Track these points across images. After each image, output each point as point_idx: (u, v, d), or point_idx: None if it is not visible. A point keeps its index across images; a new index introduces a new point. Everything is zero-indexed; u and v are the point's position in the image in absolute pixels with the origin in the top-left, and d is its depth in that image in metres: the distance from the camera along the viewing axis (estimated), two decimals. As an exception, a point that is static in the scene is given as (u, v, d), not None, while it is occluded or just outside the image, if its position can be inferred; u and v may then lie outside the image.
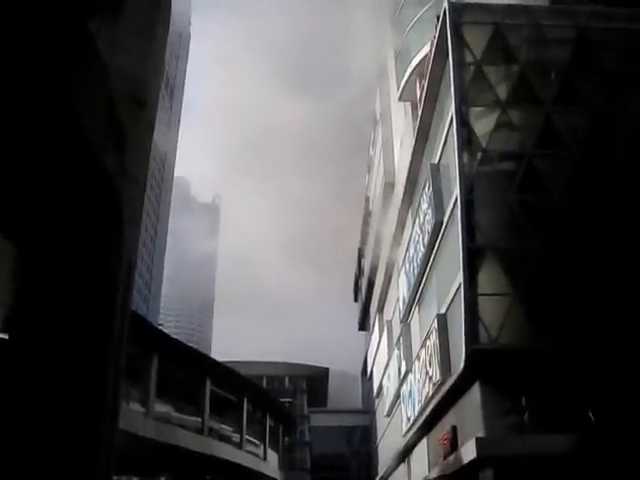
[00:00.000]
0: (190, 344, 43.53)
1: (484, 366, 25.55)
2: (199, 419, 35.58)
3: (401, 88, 43.95)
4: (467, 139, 28.26)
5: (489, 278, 26.79)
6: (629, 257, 26.97)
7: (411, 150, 37.36)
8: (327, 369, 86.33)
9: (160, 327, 47.67)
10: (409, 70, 42.43)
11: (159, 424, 30.67)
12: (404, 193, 40.79)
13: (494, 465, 24.18)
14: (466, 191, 27.10)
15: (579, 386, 24.91)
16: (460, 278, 26.17)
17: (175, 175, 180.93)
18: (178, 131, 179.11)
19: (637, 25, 30.38)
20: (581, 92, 29.02)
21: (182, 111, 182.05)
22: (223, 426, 39.54)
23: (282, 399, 61.99)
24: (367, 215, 70.23)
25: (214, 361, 40.75)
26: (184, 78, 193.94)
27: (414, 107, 40.77)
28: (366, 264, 70.07)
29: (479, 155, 28.13)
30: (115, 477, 32.39)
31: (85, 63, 5.81)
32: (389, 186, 50.45)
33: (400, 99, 44.90)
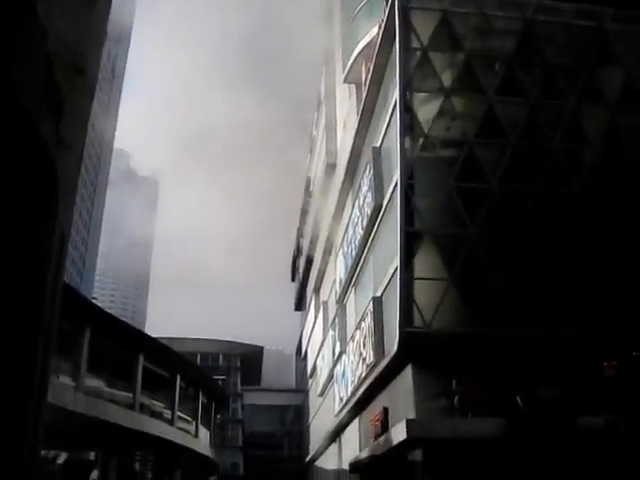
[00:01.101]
0: (124, 319, 42.96)
1: (417, 349, 25.91)
2: (131, 394, 35.22)
3: (347, 70, 43.91)
4: (410, 124, 28.44)
5: (425, 263, 27.13)
6: (563, 245, 27.69)
7: (354, 132, 37.41)
8: (262, 348, 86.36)
9: (94, 301, 46.90)
10: (355, 52, 42.38)
11: (90, 399, 30.27)
12: (345, 175, 40.87)
13: (424, 447, 24.62)
14: (406, 176, 27.30)
15: (509, 372, 25.48)
16: (397, 262, 26.42)
17: (115, 147, 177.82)
18: (119, 103, 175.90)
19: (582, 21, 30.97)
20: (523, 83, 29.49)
21: (125, 84, 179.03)
22: (155, 402, 39.24)
23: (215, 376, 61.81)
24: (307, 196, 70.21)
25: (147, 337, 40.35)
26: (127, 55, 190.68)
27: (359, 89, 40.79)
28: (304, 244, 70.13)
29: (421, 141, 28.35)
30: (43, 452, 31.92)
31: (22, 25, 5.60)
32: (330, 167, 50.46)
33: (345, 81, 44.85)
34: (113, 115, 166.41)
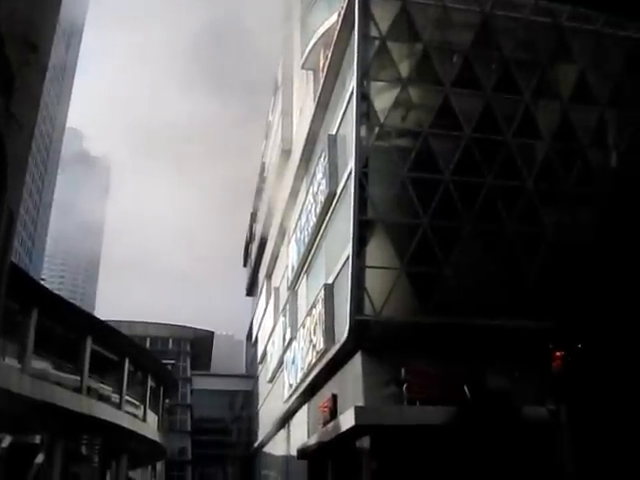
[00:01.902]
0: (73, 302, 42.37)
1: (367, 337, 26.10)
2: (78, 377, 34.75)
3: (305, 56, 43.74)
4: (366, 113, 28.51)
5: (377, 251, 27.30)
6: (514, 237, 28.15)
7: (310, 119, 37.34)
8: (212, 332, 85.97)
9: (42, 282, 46.09)
10: (314, 39, 42.22)
11: (36, 381, 29.77)
12: (300, 161, 40.81)
13: (372, 433, 24.84)
14: (361, 164, 27.39)
15: (458, 361, 25.83)
16: (349, 250, 26.53)
17: (68, 126, 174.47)
18: (73, 82, 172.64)
19: (539, 17, 31.33)
20: (479, 77, 29.75)
21: (79, 67, 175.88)
22: (103, 386, 38.83)
23: (165, 361, 61.38)
24: (262, 181, 69.90)
25: (96, 319, 39.85)
26: (81, 35, 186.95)
27: (316, 76, 40.70)
28: (257, 230, 69.90)
29: (376, 130, 28.45)
30: (-15, 434, 31.36)
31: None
32: (285, 153, 50.31)
33: (303, 67, 44.71)
34: (67, 94, 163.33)
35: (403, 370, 25.33)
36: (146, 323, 79.74)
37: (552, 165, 29.46)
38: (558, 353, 25.59)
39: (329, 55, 33.25)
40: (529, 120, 29.79)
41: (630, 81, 31.92)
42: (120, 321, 58.25)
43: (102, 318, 40.29)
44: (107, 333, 38.35)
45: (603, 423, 24.48)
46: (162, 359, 58.74)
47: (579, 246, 28.88)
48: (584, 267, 28.35)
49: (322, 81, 34.59)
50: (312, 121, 36.89)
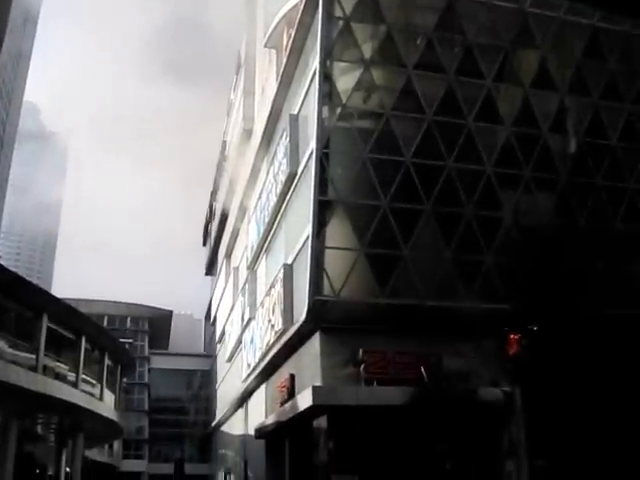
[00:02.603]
0: (29, 279, 41.68)
1: (325, 318, 26.21)
2: (34, 356, 34.33)
3: (268, 34, 43.29)
4: (328, 93, 28.39)
5: (337, 232, 27.32)
6: (473, 220, 28.38)
7: (272, 98, 37.06)
8: (170, 312, 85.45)
9: (-3, 258, 45.31)
10: (278, 17, 41.80)
11: (-11, 359, 29.39)
12: (261, 141, 40.54)
13: (329, 413, 25.01)
14: (322, 145, 27.31)
15: (415, 342, 26.08)
16: (309, 230, 26.51)
17: (25, 100, 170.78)
18: (31, 53, 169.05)
19: (502, 2, 31.39)
20: (442, 60, 29.78)
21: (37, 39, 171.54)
22: (59, 364, 38.38)
23: (122, 339, 60.84)
24: (222, 160, 69.27)
25: (52, 297, 39.25)
26: (39, 8, 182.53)
27: (279, 55, 40.36)
28: (218, 209, 69.36)
29: (338, 110, 28.36)
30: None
31: None
32: (247, 132, 49.92)
33: (266, 45, 44.28)
34: (24, 66, 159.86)
35: (361, 351, 25.51)
36: (104, 302, 78.91)
37: (512, 149, 29.72)
38: (513, 336, 25.99)
39: (292, 34, 32.97)
40: (490, 104, 29.97)
41: (590, 68, 32.34)
42: (77, 299, 57.54)
43: (59, 296, 39.65)
44: (63, 311, 37.83)
45: (554, 404, 24.95)
46: (120, 338, 58.23)
47: (536, 230, 29.26)
48: (541, 251, 28.74)
49: (285, 60, 34.32)
50: (274, 100, 36.62)
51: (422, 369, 25.67)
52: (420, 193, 27.61)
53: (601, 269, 29.51)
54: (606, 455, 25.37)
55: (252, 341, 39.31)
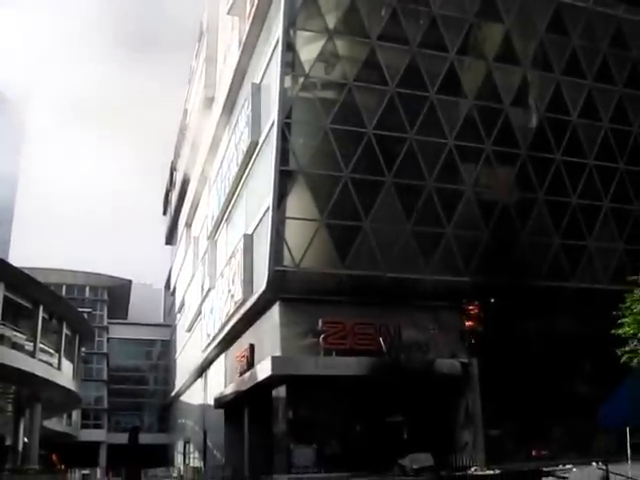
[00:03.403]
0: (-16, 247, 40.92)
1: (285, 288, 26.21)
2: (-11, 325, 33.87)
3: (231, 1, 42.66)
4: (291, 63, 28.14)
5: (298, 203, 27.24)
6: (435, 192, 28.51)
7: (234, 67, 36.61)
8: (130, 281, 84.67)
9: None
10: (241, -16, 41.20)
11: (-57, 328, 28.90)
12: (223, 109, 40.11)
13: (288, 383, 25.11)
14: (284, 114, 27.12)
15: (375, 313, 26.25)
16: (269, 200, 26.38)
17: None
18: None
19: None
20: (406, 31, 29.63)
21: None
22: (16, 333, 37.90)
23: (81, 309, 60.27)
24: (183, 128, 68.45)
25: (9, 265, 38.59)
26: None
27: (242, 23, 39.75)
28: (178, 178, 68.65)
29: (301, 80, 28.14)
30: None
31: None
32: (208, 101, 49.34)
33: (229, 13, 43.60)
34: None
35: (320, 321, 25.61)
36: (62, 271, 77.80)
37: (474, 123, 29.84)
38: (471, 308, 26.32)
39: (255, 2, 32.51)
40: (453, 77, 30.01)
41: (553, 43, 32.51)
42: (35, 268, 56.54)
43: (16, 265, 39.00)
44: (20, 280, 37.25)
45: (509, 374, 25.42)
46: (78, 307, 57.60)
47: (496, 204, 29.53)
48: (500, 225, 29.05)
49: (247, 28, 33.86)
50: (236, 69, 36.20)
51: (381, 340, 25.89)
52: (382, 165, 27.63)
53: (557, 243, 29.97)
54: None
55: (212, 311, 39.22)
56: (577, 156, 31.36)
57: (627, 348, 21.08)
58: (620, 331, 21.36)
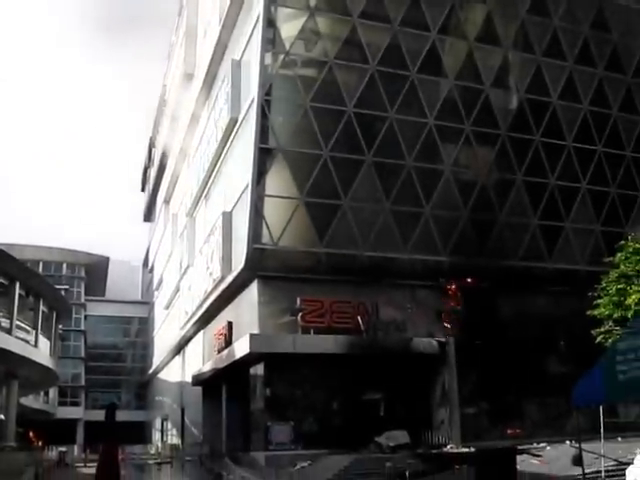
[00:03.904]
0: (-41, 222, 40.47)
1: (264, 266, 26.19)
2: (-36, 301, 33.59)
3: (211, -24, 42.22)
4: (271, 40, 27.94)
5: (277, 181, 27.16)
6: (414, 172, 28.54)
7: (214, 42, 36.24)
8: (107, 258, 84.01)
9: None
10: (221, -42, 40.72)
11: None
12: (202, 85, 39.74)
13: (266, 360, 25.15)
14: (264, 92, 26.93)
15: (351, 292, 26.32)
16: (249, 178, 26.27)
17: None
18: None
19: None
20: (388, 10, 29.45)
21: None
22: (-9, 310, 37.66)
23: (58, 286, 59.82)
24: (162, 104, 67.77)
25: (-16, 241, 38.42)
26: None
27: (223, -2, 39.38)
28: (157, 154, 68.10)
29: (281, 57, 27.94)
30: None
31: None
32: (187, 77, 48.89)
33: (209, -13, 43.20)
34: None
35: (298, 299, 25.64)
36: (39, 247, 77.07)
37: (454, 103, 29.83)
38: (449, 287, 26.50)
39: (236, -24, 32.15)
40: (434, 57, 29.93)
41: (534, 24, 32.49)
42: (11, 244, 55.98)
43: (-9, 241, 38.59)
44: (-4, 256, 36.93)
45: (486, 353, 25.66)
46: (55, 284, 57.22)
47: (475, 185, 29.61)
48: (479, 205, 29.16)
49: (228, 3, 33.49)
50: (216, 45, 35.83)
51: (359, 318, 25.99)
52: (361, 143, 27.58)
53: (535, 224, 30.15)
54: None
55: (190, 288, 39.13)
56: (556, 138, 31.48)
57: (602, 329, 21.39)
58: (596, 312, 21.66)
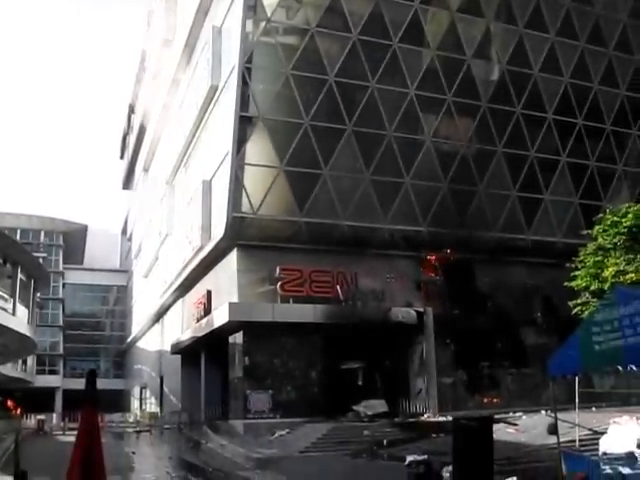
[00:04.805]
0: None
1: (243, 235, 26.11)
2: (-60, 268, 33.29)
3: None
4: (253, 7, 27.62)
5: (257, 149, 26.99)
6: (394, 141, 28.48)
7: (195, 8, 35.74)
8: (86, 226, 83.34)
9: None
10: None
11: None
12: (182, 52, 39.22)
13: (244, 329, 25.18)
14: (245, 59, 26.68)
15: (331, 262, 26.34)
16: (228, 146, 26.10)
17: None
18: None
19: None
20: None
21: None
22: (-33, 278, 37.33)
23: (36, 254, 59.34)
24: (141, 70, 66.94)
25: (-40, 208, 38.00)
26: None
27: (203, -37, 38.76)
28: (136, 121, 67.35)
29: (263, 25, 27.65)
30: None
31: None
32: (167, 43, 48.27)
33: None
34: None
35: (278, 268, 25.64)
36: (16, 215, 76.34)
37: (436, 73, 29.71)
38: (428, 257, 26.63)
39: (217, -60, 31.66)
40: (417, 27, 29.75)
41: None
42: (-12, 211, 55.54)
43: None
44: (-28, 222, 36.55)
45: (464, 323, 25.88)
46: (33, 252, 56.77)
47: (455, 156, 29.62)
48: (459, 176, 29.18)
49: (209, -32, 33.04)
50: (197, 10, 35.31)
51: (338, 288, 26.06)
52: (342, 112, 27.45)
53: (514, 196, 30.26)
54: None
55: (169, 257, 39.00)
56: (537, 110, 31.49)
57: (579, 300, 21.60)
58: (573, 284, 21.85)
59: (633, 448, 11.09)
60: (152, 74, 54.72)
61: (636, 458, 10.65)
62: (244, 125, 26.25)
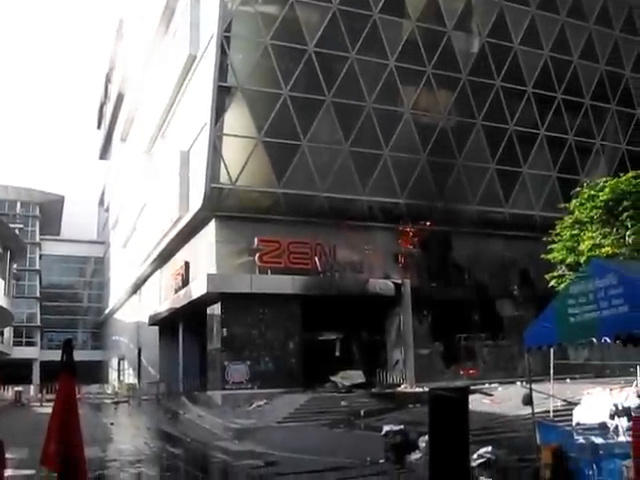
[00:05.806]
0: None
1: (222, 206, 26.00)
2: None
3: None
4: (232, -27, 27.25)
5: (236, 120, 26.76)
6: (370, 111, 28.36)
7: (173, -24, 35.22)
8: (62, 196, 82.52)
9: None
10: None
11: None
12: (160, 21, 38.67)
13: (222, 301, 25.16)
14: (223, 28, 26.36)
15: (309, 233, 26.32)
16: (207, 116, 25.87)
17: None
18: None
19: None
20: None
21: None
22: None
23: (12, 225, 58.78)
24: (119, 39, 66.05)
25: None
26: None
27: None
28: (113, 91, 66.56)
29: (241, -7, 27.32)
30: None
31: None
32: (145, 10, 47.56)
33: None
34: None
35: (256, 240, 25.58)
36: (-9, 185, 75.63)
37: (416, 45, 29.56)
38: (406, 229, 26.69)
39: None
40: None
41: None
42: (-38, 181, 54.86)
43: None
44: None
45: (441, 295, 26.07)
46: (9, 223, 56.26)
47: (434, 128, 29.59)
48: (437, 148, 29.17)
49: None
50: (175, -22, 34.80)
51: (316, 259, 26.08)
52: (322, 83, 27.27)
53: (493, 169, 30.33)
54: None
55: (147, 228, 38.77)
56: (516, 83, 31.48)
57: (556, 273, 21.76)
58: (550, 256, 22.00)
59: (606, 419, 11.25)
60: (129, 43, 54.00)
61: (608, 428, 10.82)
62: (222, 95, 26.01)
